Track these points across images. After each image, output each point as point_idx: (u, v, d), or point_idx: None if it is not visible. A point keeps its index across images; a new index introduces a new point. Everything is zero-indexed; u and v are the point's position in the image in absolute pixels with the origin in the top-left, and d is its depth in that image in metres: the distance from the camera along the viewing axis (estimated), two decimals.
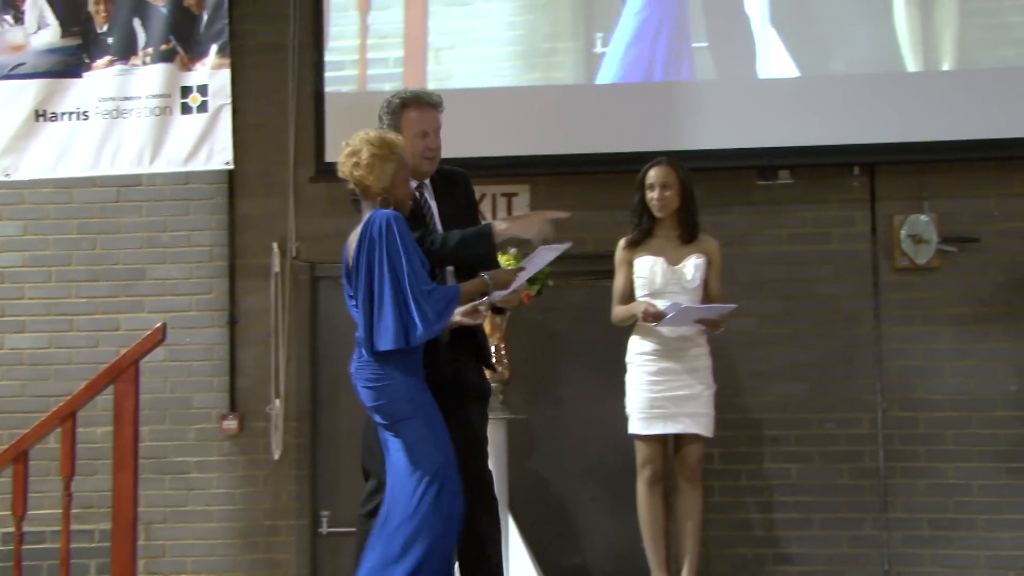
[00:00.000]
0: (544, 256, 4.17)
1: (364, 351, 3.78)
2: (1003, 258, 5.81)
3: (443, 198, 4.22)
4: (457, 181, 4.29)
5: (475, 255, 4.05)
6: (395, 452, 3.77)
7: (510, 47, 6.01)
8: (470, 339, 4.34)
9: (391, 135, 3.89)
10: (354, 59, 6.07)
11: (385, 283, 3.68)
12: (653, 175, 4.94)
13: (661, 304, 4.80)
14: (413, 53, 6.05)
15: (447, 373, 4.33)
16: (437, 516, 3.69)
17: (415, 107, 4.14)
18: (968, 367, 5.77)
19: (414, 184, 4.12)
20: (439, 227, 4.16)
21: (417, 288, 3.68)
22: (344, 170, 3.87)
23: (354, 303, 3.84)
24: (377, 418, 3.81)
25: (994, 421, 5.72)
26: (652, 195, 4.93)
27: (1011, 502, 5.66)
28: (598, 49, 5.94)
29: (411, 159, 4.03)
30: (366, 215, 3.80)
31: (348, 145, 3.86)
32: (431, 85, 5.84)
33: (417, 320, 3.66)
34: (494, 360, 4.76)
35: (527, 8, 6.01)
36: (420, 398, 3.79)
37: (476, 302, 4.04)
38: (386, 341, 3.68)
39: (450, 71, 6.00)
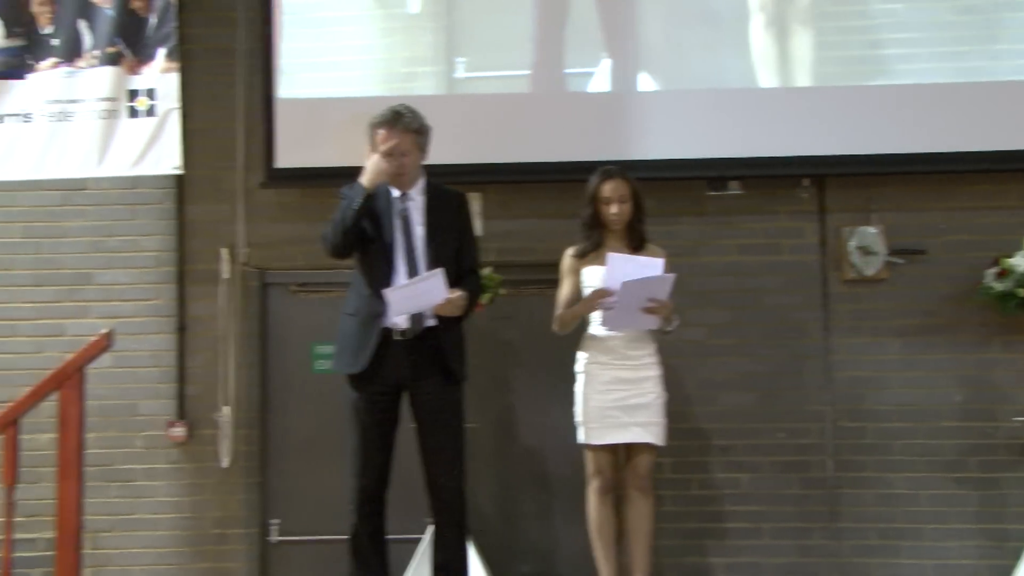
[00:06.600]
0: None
1: None
2: (948, 270, 5.88)
3: (433, 212, 4.51)
4: (451, 201, 4.60)
5: (349, 206, 4.40)
6: None
7: (463, 55, 6.00)
8: (431, 343, 4.37)
9: None
10: (304, 64, 6.01)
11: None
12: (609, 189, 4.94)
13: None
14: (368, 60, 6.01)
15: (403, 379, 4.36)
16: None
17: None
18: (915, 378, 5.83)
19: (398, 193, 4.49)
20: (416, 236, 4.45)
21: None
22: None
23: None
24: None
25: (940, 431, 5.79)
26: (610, 209, 4.93)
27: (957, 511, 5.73)
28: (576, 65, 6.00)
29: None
30: None
31: None
32: (388, 93, 5.82)
33: None
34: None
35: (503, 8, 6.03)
36: None
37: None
38: None
39: (409, 79, 5.98)
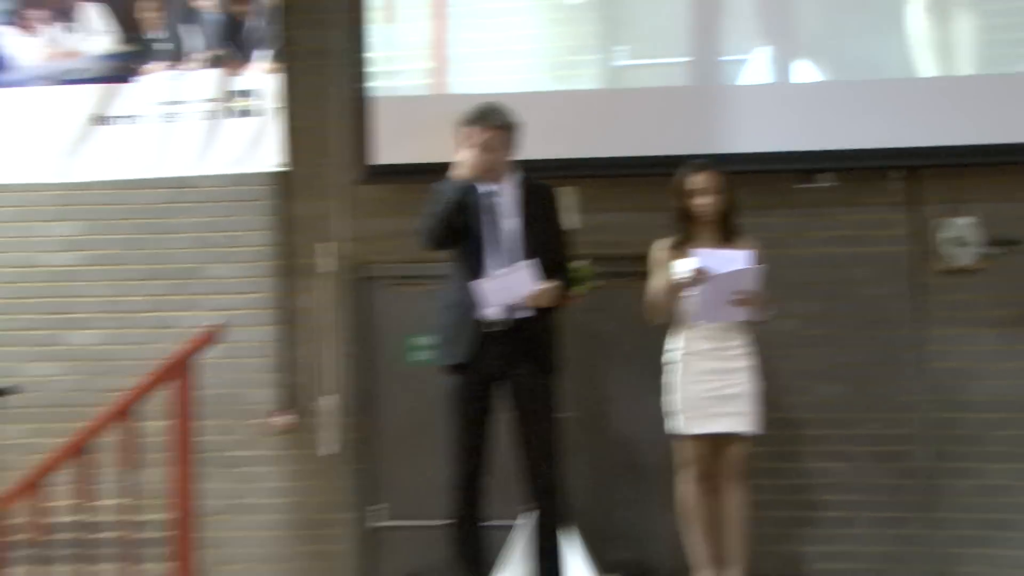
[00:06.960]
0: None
1: None
2: None
3: (522, 206, 4.60)
4: (540, 195, 4.66)
5: (445, 200, 4.49)
6: None
7: (556, 50, 6.11)
8: (524, 333, 4.46)
9: None
10: (397, 63, 6.13)
11: None
12: (698, 182, 4.98)
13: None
14: (452, 60, 6.12)
15: (498, 369, 4.46)
16: None
17: None
18: (1011, 369, 5.77)
19: (488, 187, 4.55)
20: (506, 229, 4.53)
21: None
22: None
23: None
24: None
25: None
26: (700, 201, 4.97)
27: None
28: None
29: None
30: None
31: None
32: (473, 90, 5.89)
33: None
34: None
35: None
36: None
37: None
38: None
39: (499, 75, 6.07)
